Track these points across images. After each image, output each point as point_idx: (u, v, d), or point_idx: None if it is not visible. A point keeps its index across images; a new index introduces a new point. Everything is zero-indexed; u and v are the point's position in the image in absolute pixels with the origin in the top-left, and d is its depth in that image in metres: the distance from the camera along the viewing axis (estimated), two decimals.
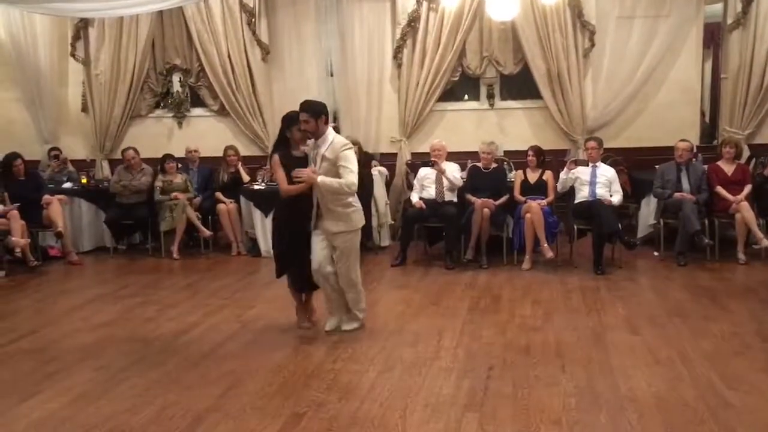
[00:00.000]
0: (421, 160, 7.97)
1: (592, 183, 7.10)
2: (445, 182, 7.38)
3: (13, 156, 7.92)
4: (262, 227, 7.96)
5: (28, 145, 9.35)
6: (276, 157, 4.97)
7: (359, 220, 4.92)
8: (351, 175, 4.62)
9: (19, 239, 7.22)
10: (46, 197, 7.81)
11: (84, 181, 8.67)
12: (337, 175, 4.68)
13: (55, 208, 7.75)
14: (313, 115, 4.69)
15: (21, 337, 5.29)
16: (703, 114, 9.04)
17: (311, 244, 4.93)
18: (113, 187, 8.29)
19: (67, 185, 8.66)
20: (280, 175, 4.90)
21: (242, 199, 8.15)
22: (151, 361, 4.68)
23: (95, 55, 9.47)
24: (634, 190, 8.02)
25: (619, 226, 6.89)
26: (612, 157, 8.00)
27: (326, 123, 4.76)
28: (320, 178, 4.61)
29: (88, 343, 5.10)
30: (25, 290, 6.91)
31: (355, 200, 4.86)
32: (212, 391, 4.12)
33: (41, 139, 9.75)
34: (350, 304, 5.12)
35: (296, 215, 4.96)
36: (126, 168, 8.38)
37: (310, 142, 4.91)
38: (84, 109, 9.70)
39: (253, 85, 9.15)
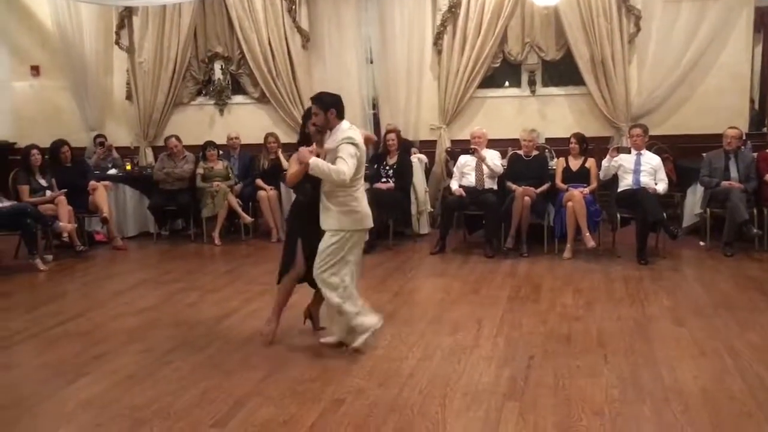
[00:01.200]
0: (461, 147, 7.94)
1: (637, 171, 6.97)
2: (485, 170, 7.32)
3: (60, 143, 8.10)
4: None
5: (75, 132, 9.55)
6: (293, 156, 4.63)
7: (355, 222, 4.43)
8: (343, 164, 4.25)
9: (66, 224, 7.39)
10: (92, 183, 7.97)
11: (128, 167, 8.83)
12: None
13: (101, 194, 7.92)
14: (322, 108, 4.43)
15: (68, 320, 5.42)
16: (752, 101, 8.78)
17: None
18: (156, 174, 8.42)
19: (112, 172, 8.83)
20: (291, 169, 4.60)
21: (282, 186, 8.21)
22: (194, 345, 4.75)
23: (139, 43, 9.62)
24: (680, 179, 7.85)
25: (664, 215, 6.75)
26: (657, 144, 7.85)
27: (339, 117, 4.43)
28: (313, 159, 4.30)
29: (133, 327, 5.20)
30: (72, 274, 7.08)
31: (355, 201, 4.42)
32: (253, 375, 4.17)
33: (87, 127, 9.94)
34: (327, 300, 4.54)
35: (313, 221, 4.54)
36: (169, 155, 8.50)
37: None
38: (128, 96, 9.87)
39: (293, 72, 9.19)
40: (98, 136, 9.61)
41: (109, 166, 9.07)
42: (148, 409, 3.77)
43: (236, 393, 3.92)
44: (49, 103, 10.17)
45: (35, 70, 10.24)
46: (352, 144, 4.33)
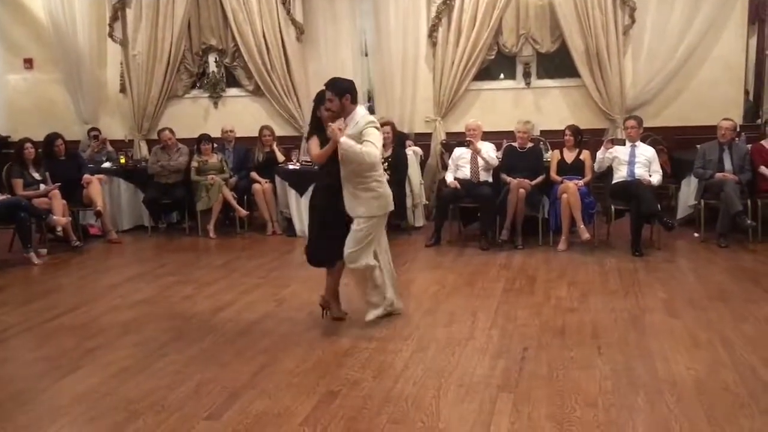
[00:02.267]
0: (456, 139, 7.94)
1: (631, 163, 6.97)
2: (481, 162, 7.32)
3: (54, 136, 8.06)
4: (297, 207, 8.00)
5: (69, 125, 9.53)
6: (312, 140, 4.79)
7: (381, 206, 4.63)
8: (372, 147, 4.38)
9: (60, 218, 7.38)
10: (86, 177, 7.95)
11: (123, 161, 8.80)
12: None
13: (95, 187, 7.90)
14: (336, 94, 4.48)
15: (63, 314, 5.42)
16: (747, 92, 8.78)
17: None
18: (151, 167, 8.40)
19: (107, 165, 8.80)
20: (313, 149, 4.74)
21: (277, 179, 8.20)
22: (189, 338, 4.75)
23: (132, 36, 9.58)
24: (674, 170, 7.87)
25: (659, 206, 6.76)
26: (652, 136, 7.85)
27: (353, 102, 4.51)
28: (344, 138, 4.36)
29: (128, 320, 5.20)
30: (67, 268, 7.06)
31: (379, 185, 4.59)
32: (248, 368, 4.17)
33: (81, 120, 9.92)
34: (376, 295, 4.82)
35: (335, 200, 4.67)
36: (163, 148, 8.48)
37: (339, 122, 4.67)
38: (122, 89, 9.84)
39: (287, 65, 9.16)
40: (92, 129, 9.58)
41: (104, 159, 9.04)
42: (142, 401, 3.77)
43: (231, 385, 3.92)
44: (42, 97, 10.13)
45: (28, 63, 10.20)
46: (376, 127, 4.46)
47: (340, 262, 4.75)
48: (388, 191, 4.68)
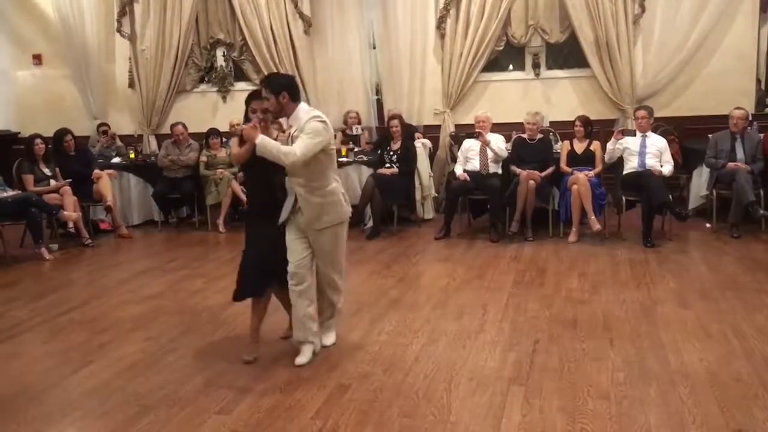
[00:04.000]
0: (465, 131, 7.90)
1: (642, 153, 6.92)
2: (490, 154, 7.29)
3: (63, 132, 8.09)
4: None
5: (78, 120, 9.55)
6: (233, 139, 4.29)
7: (345, 211, 4.14)
8: (297, 145, 3.82)
9: (71, 213, 7.40)
10: (96, 172, 7.97)
11: (132, 155, 8.81)
12: (310, 162, 3.90)
13: (105, 182, 7.92)
14: (272, 91, 3.93)
15: (74, 309, 5.44)
16: (758, 81, 8.67)
17: (288, 242, 4.09)
18: (161, 161, 8.41)
19: (116, 160, 8.82)
20: (233, 149, 4.20)
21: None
22: (199, 332, 4.76)
23: (140, 30, 9.59)
24: (686, 161, 7.80)
25: (670, 197, 6.71)
26: (663, 126, 7.79)
27: (294, 99, 3.96)
28: (261, 137, 3.84)
29: (138, 315, 5.21)
30: (77, 263, 7.09)
31: (333, 188, 4.05)
32: (259, 362, 4.17)
33: (90, 115, 9.94)
34: (332, 300, 4.37)
35: (268, 210, 4.14)
36: (174, 143, 8.48)
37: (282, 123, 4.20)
38: (131, 84, 9.84)
39: (295, 58, 9.14)
40: (101, 124, 9.60)
41: (113, 154, 9.07)
42: (153, 396, 3.78)
43: (241, 380, 3.92)
44: (51, 92, 10.16)
45: (37, 59, 10.23)
46: (320, 121, 3.91)
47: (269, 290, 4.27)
48: (343, 193, 4.17)
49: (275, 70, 9.12)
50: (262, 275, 4.14)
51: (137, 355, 4.38)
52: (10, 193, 7.21)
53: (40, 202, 7.16)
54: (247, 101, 4.19)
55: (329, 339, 4.42)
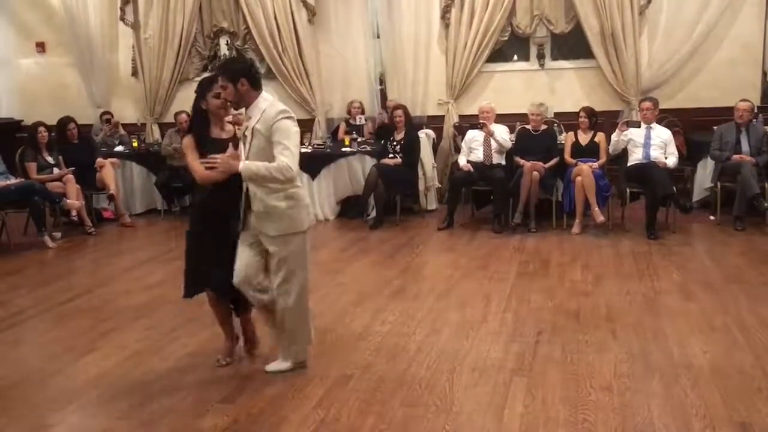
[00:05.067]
0: (469, 122, 7.88)
1: (646, 145, 6.89)
2: (494, 145, 7.27)
3: (66, 120, 8.08)
4: (309, 190, 7.97)
5: (81, 109, 9.52)
6: (186, 140, 3.80)
7: (305, 219, 3.64)
8: (287, 156, 3.37)
9: (74, 202, 7.40)
10: (99, 160, 7.97)
11: (135, 144, 8.80)
12: (271, 156, 3.44)
13: (108, 171, 7.92)
14: (230, 79, 3.49)
15: (77, 297, 5.45)
16: (765, 73, 8.62)
17: (238, 249, 3.69)
18: (165, 149, 8.39)
19: (119, 149, 8.82)
20: (191, 159, 3.71)
21: None
22: (201, 321, 4.74)
23: (144, 19, 9.55)
24: (690, 152, 7.77)
25: (674, 189, 6.69)
26: (667, 118, 7.75)
27: (254, 87, 3.52)
28: (243, 164, 3.39)
29: (141, 303, 5.22)
30: (80, 251, 7.10)
31: (297, 192, 3.60)
32: (261, 351, 4.17)
33: (93, 104, 9.92)
34: (286, 340, 3.84)
35: (220, 210, 3.72)
36: (177, 131, 8.45)
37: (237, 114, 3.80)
38: (134, 73, 9.82)
39: (299, 47, 9.10)
40: (105, 113, 9.58)
41: (116, 143, 9.06)
42: (156, 384, 3.79)
43: (244, 369, 3.93)
44: (55, 80, 10.14)
45: (41, 46, 10.20)
46: (289, 118, 3.47)
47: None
48: (306, 199, 3.71)
49: (279, 60, 9.10)
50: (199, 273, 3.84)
51: (140, 343, 4.39)
52: (14, 181, 7.21)
53: (43, 190, 7.16)
54: (200, 92, 3.77)
55: (276, 365, 3.88)
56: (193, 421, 3.39)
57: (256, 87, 3.54)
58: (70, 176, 7.56)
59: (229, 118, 3.81)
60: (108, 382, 3.85)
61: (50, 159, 7.72)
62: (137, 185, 8.72)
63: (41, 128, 7.68)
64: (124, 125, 9.53)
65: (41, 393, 3.76)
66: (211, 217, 3.79)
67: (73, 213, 7.53)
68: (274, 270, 3.65)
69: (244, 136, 3.59)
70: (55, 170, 7.67)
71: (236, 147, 3.64)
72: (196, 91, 3.85)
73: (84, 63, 9.85)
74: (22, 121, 10.02)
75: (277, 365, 3.87)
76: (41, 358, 4.27)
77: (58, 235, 7.47)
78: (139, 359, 4.14)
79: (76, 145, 8.06)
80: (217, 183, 3.61)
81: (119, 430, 3.35)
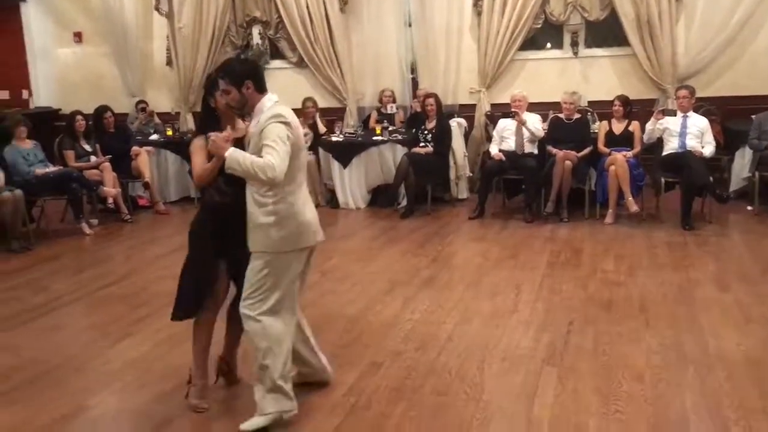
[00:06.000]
0: (501, 111, 7.82)
1: (683, 134, 6.78)
2: (526, 133, 7.21)
3: (103, 109, 8.21)
4: (341, 179, 8.02)
5: (117, 98, 9.65)
6: (195, 141, 3.43)
7: (284, 241, 3.17)
8: (272, 155, 3.01)
9: (110, 189, 7.53)
10: (135, 148, 8.09)
11: (169, 133, 8.91)
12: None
13: (143, 159, 8.03)
14: (233, 82, 3.20)
15: (113, 283, 5.56)
16: None
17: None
18: None
19: (154, 137, 8.92)
20: (196, 161, 3.39)
21: (320, 151, 8.21)
22: None
23: (178, 8, 9.60)
24: (728, 142, 7.62)
25: (710, 178, 6.57)
26: (704, 106, 7.61)
27: (259, 90, 3.24)
28: (231, 150, 3.08)
29: (175, 289, 5.28)
30: (116, 238, 7.23)
31: (291, 208, 3.19)
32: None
33: (129, 93, 10.05)
34: (258, 379, 3.27)
35: (228, 234, 3.35)
36: None
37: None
38: (168, 62, 9.92)
39: (331, 36, 9.10)
40: (140, 102, 9.71)
41: (151, 131, 9.17)
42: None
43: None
44: (91, 70, 10.29)
45: (78, 36, 10.35)
46: (282, 122, 3.13)
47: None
48: (309, 218, 3.29)
49: (311, 49, 9.12)
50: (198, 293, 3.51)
51: (174, 328, 4.41)
52: (52, 168, 7.36)
53: (80, 177, 7.29)
54: (209, 89, 3.48)
55: (250, 422, 3.24)
56: (226, 403, 3.45)
57: (261, 90, 3.26)
58: (107, 164, 7.69)
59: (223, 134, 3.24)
60: (144, 366, 3.93)
61: (87, 147, 7.87)
62: (171, 173, 8.82)
63: (79, 117, 7.82)
64: (159, 114, 9.65)
65: (80, 376, 3.86)
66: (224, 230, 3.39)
67: (110, 200, 7.66)
68: (245, 288, 3.24)
69: (246, 141, 3.29)
70: (92, 158, 7.81)
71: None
72: (204, 87, 3.59)
73: (120, 52, 9.97)
74: (60, 109, 10.20)
75: (254, 421, 3.24)
76: (79, 342, 4.37)
77: (95, 222, 7.61)
78: (174, 343, 4.21)
79: (112, 133, 8.19)
80: (230, 210, 3.29)
81: (155, 412, 3.42)
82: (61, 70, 10.50)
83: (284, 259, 3.19)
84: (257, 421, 3.22)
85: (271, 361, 3.20)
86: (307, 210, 3.29)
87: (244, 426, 3.21)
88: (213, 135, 3.17)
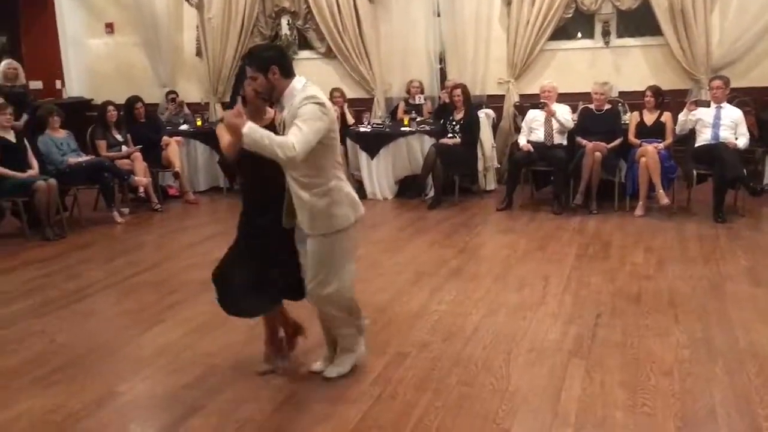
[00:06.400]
0: (530, 101, 7.76)
1: (716, 125, 6.67)
2: (555, 125, 7.15)
3: (134, 99, 8.32)
4: (368, 169, 8.04)
5: (148, 88, 9.76)
6: (220, 124, 3.47)
7: (345, 216, 3.33)
8: (295, 135, 3.04)
9: (141, 179, 7.64)
10: (165, 138, 8.19)
11: (199, 123, 9.00)
12: (311, 154, 3.15)
13: (173, 149, 8.13)
14: (259, 69, 3.21)
15: (145, 270, 5.64)
16: None
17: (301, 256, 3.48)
18: None
19: (184, 127, 9.02)
20: (222, 140, 3.51)
21: (348, 141, 8.22)
22: None
23: None
24: (762, 133, 7.48)
25: (744, 171, 6.47)
26: (738, 97, 7.47)
27: (285, 75, 3.22)
28: (248, 126, 3.02)
29: (205, 278, 5.27)
30: (147, 227, 7.34)
31: (331, 190, 3.28)
32: (320, 328, 4.23)
33: (159, 83, 10.16)
34: (338, 343, 3.65)
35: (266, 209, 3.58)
36: None
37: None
38: (198, 53, 10.00)
39: (359, 26, 9.10)
40: (170, 92, 9.81)
41: (181, 121, 9.27)
42: (219, 355, 3.91)
43: (304, 343, 4.00)
44: (122, 60, 10.42)
45: (109, 27, 10.48)
46: (317, 103, 3.14)
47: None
48: (350, 190, 3.42)
49: (339, 39, 9.12)
50: (260, 293, 3.60)
51: (205, 315, 4.52)
52: (85, 158, 7.48)
53: (112, 167, 7.42)
54: (240, 79, 3.50)
55: (332, 370, 3.64)
56: (255, 391, 3.50)
57: (288, 75, 3.24)
58: (138, 154, 7.80)
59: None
60: (174, 353, 3.99)
61: (119, 137, 7.98)
62: (201, 163, 8.92)
63: (110, 107, 7.94)
64: (189, 104, 9.75)
65: (111, 362, 3.93)
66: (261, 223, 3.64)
67: (141, 190, 7.77)
68: (310, 270, 3.38)
69: (281, 127, 3.32)
70: (124, 148, 7.92)
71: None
72: (236, 76, 3.62)
73: (150, 43, 10.08)
74: (92, 99, 10.35)
75: (331, 370, 3.63)
76: (111, 328, 4.46)
77: (126, 210, 7.73)
78: (204, 331, 4.27)
79: (143, 123, 8.29)
80: (254, 188, 3.63)
81: (185, 398, 3.48)
82: (93, 60, 10.65)
83: (351, 233, 3.39)
84: (338, 369, 3.61)
85: (347, 330, 3.58)
86: (348, 184, 3.43)
87: (327, 372, 3.61)
88: (227, 113, 3.18)
